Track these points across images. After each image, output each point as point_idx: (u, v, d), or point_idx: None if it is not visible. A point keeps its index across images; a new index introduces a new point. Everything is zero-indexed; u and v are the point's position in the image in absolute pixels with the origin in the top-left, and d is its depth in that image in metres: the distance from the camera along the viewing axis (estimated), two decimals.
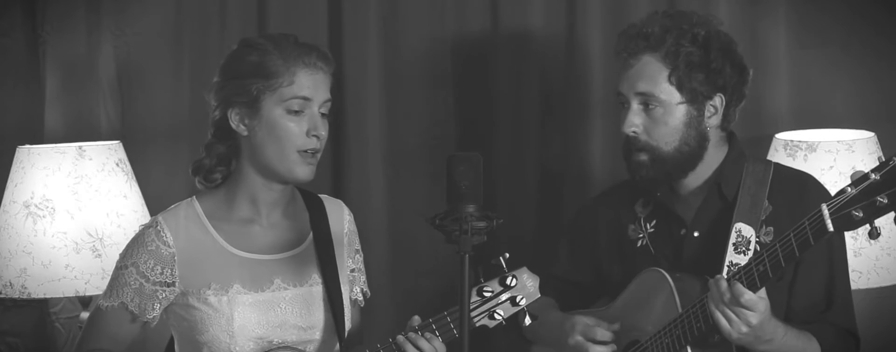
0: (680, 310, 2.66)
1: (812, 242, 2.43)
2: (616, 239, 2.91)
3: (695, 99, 2.74)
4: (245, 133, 2.60)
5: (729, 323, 2.52)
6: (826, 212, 2.40)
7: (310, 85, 2.57)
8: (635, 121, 2.75)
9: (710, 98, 2.76)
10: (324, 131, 2.59)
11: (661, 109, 2.73)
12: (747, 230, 2.70)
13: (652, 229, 2.85)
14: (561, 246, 2.99)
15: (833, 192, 2.91)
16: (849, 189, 2.37)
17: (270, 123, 2.57)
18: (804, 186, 2.79)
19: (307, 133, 2.58)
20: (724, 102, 2.77)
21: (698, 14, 2.80)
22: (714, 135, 2.79)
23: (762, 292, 2.52)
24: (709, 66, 2.73)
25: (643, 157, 2.76)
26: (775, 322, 2.57)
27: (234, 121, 2.59)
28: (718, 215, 2.78)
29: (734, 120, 2.82)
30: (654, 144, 2.74)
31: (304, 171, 2.60)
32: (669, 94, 2.73)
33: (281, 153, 2.58)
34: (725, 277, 2.54)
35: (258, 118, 2.57)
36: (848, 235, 3.02)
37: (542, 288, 2.61)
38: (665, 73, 2.73)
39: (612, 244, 2.91)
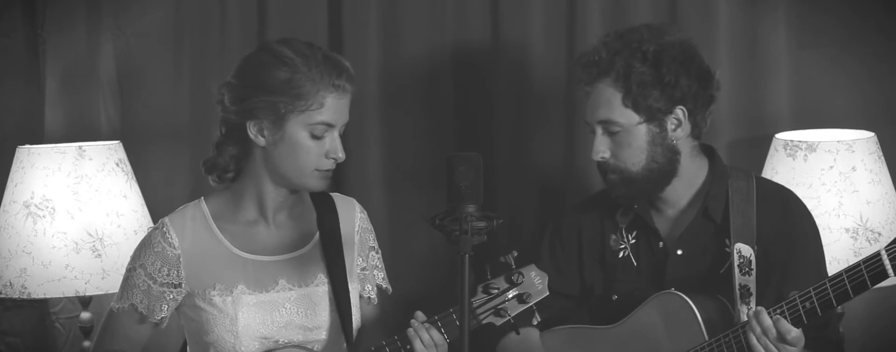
0: (706, 337, 2.66)
1: (869, 286, 2.47)
2: (598, 248, 2.91)
3: (653, 117, 2.74)
4: (262, 144, 2.60)
5: None
6: (886, 257, 2.43)
7: (336, 110, 2.58)
8: (600, 148, 2.76)
9: (670, 112, 2.75)
10: (342, 154, 2.61)
11: (624, 133, 2.74)
12: (746, 250, 2.71)
13: (633, 240, 2.86)
14: (543, 256, 2.97)
15: (827, 195, 2.94)
16: None
17: (292, 142, 2.57)
18: (787, 205, 2.80)
19: (326, 155, 2.59)
20: (686, 113, 2.76)
21: (651, 27, 2.78)
22: (685, 145, 2.78)
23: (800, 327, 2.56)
24: (662, 82, 2.72)
25: (614, 177, 2.78)
26: None
27: (253, 131, 2.59)
28: (707, 237, 2.79)
29: (706, 126, 2.81)
30: (623, 166, 2.76)
31: (319, 184, 2.63)
32: (628, 116, 2.73)
33: (298, 171, 2.60)
34: (767, 310, 2.56)
35: (281, 134, 2.57)
36: (847, 236, 3.03)
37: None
38: (619, 96, 2.73)
39: (594, 253, 2.92)
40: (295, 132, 2.57)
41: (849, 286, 2.47)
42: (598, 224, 2.91)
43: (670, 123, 2.75)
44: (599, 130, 2.76)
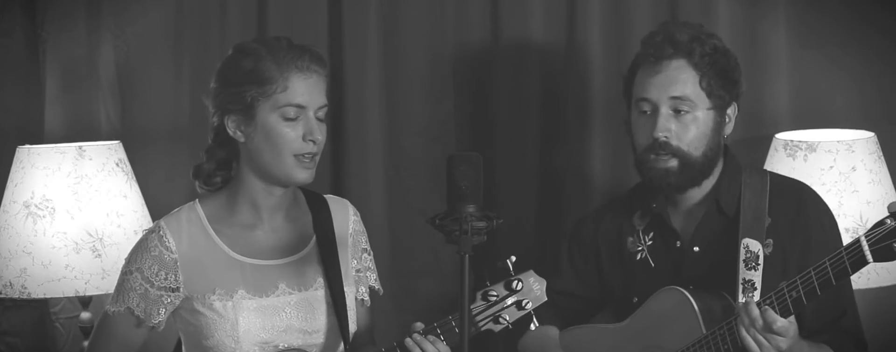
0: (704, 330, 2.67)
1: (850, 272, 2.46)
2: (616, 252, 2.92)
3: (720, 106, 2.77)
4: (242, 139, 2.60)
5: (759, 348, 2.56)
6: (865, 244, 2.43)
7: (304, 91, 2.57)
8: (668, 125, 2.74)
9: (729, 106, 2.79)
10: (320, 136, 2.59)
11: (692, 115, 2.74)
12: (754, 245, 2.71)
13: (650, 242, 2.86)
14: (562, 260, 2.98)
15: (827, 195, 2.95)
16: (888, 221, 2.41)
17: (266, 129, 2.57)
18: (802, 197, 2.81)
19: (303, 138, 2.57)
20: (736, 112, 2.80)
21: (700, 26, 2.84)
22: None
23: (791, 316, 2.55)
24: (730, 75, 2.77)
25: (673, 162, 2.75)
26: (801, 343, 2.60)
27: (231, 128, 2.59)
28: (721, 231, 2.79)
29: (731, 131, 2.85)
30: (686, 149, 2.75)
31: (302, 174, 2.60)
32: (701, 99, 2.75)
33: (278, 158, 2.58)
34: (755, 301, 2.56)
35: (254, 125, 2.57)
36: (846, 235, 3.02)
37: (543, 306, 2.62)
38: (697, 78, 2.74)
39: (613, 257, 2.92)
40: (266, 118, 2.56)
41: (831, 274, 2.48)
42: (615, 229, 2.92)
43: (726, 118, 2.79)
44: (665, 108, 2.74)
